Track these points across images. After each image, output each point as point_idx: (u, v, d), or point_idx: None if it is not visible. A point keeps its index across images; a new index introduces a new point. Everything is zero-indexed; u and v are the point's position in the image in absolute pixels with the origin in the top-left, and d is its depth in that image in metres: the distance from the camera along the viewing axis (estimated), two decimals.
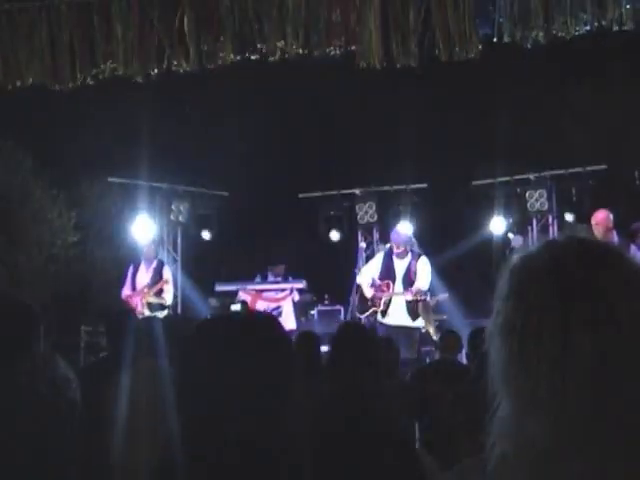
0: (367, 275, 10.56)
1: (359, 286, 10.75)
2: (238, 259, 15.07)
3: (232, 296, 12.97)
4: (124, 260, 15.91)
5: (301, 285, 12.63)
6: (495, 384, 1.27)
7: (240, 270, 14.66)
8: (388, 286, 10.22)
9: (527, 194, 13.75)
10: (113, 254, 17.05)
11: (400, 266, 10.30)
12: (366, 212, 14.30)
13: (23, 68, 8.09)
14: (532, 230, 13.90)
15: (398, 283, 10.22)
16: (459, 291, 13.25)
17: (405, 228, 11.34)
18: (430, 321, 10.82)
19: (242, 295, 12.67)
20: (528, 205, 13.74)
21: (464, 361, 7.57)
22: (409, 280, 10.18)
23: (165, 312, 11.34)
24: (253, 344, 1.93)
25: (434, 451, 4.32)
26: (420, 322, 10.36)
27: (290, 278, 13.03)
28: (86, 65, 8.08)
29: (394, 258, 10.35)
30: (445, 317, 13.35)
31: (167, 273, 11.70)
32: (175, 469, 1.87)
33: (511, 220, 14.00)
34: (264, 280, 13.23)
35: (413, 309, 10.17)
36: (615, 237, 9.13)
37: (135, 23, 7.92)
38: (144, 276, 11.66)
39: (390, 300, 10.18)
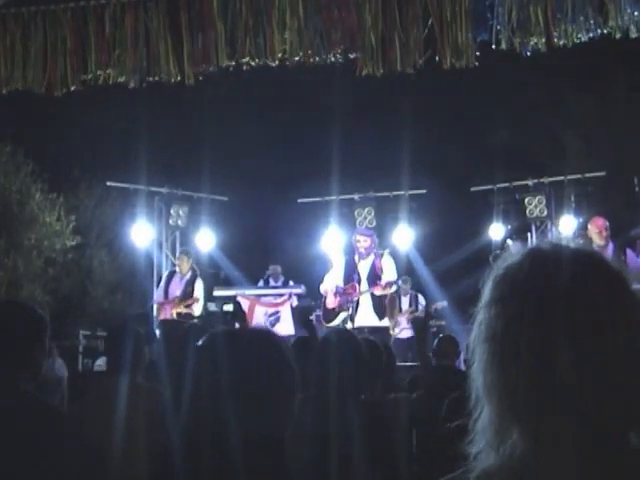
0: (330, 283, 10.48)
1: (323, 295, 10.66)
2: (237, 264, 15.06)
3: (231, 301, 12.95)
4: (123, 264, 15.95)
5: (300, 290, 12.60)
6: (477, 393, 1.26)
7: (239, 275, 14.66)
8: (354, 288, 10.14)
9: (526, 200, 13.74)
10: (112, 258, 17.09)
11: (364, 266, 10.23)
12: (365, 217, 14.30)
13: (18, 73, 8.08)
14: (531, 236, 13.88)
15: (364, 283, 10.15)
16: (457, 297, 13.24)
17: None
18: (393, 315, 10.82)
19: (241, 300, 12.64)
20: (527, 211, 13.73)
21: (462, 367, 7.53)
22: (375, 277, 10.10)
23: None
24: (256, 361, 1.93)
25: (430, 462, 4.31)
26: (386, 321, 10.29)
27: (291, 283, 13.01)
28: (81, 70, 8.06)
29: (357, 260, 10.30)
30: (444, 323, 13.35)
31: (198, 289, 11.76)
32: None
33: (510, 226, 13.99)
34: (265, 285, 13.22)
35: (380, 307, 10.10)
36: (610, 246, 9.12)
37: (129, 28, 7.91)
38: (177, 287, 11.79)
39: (358, 302, 10.13)
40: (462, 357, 9.40)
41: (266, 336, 2.08)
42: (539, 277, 1.23)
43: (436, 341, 7.55)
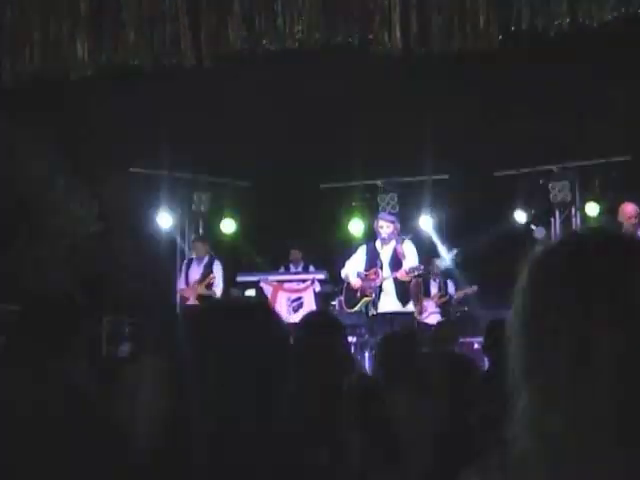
0: (352, 268, 10.45)
1: (344, 280, 10.63)
2: (259, 249, 15.08)
3: (253, 287, 13.00)
4: (146, 250, 16.00)
5: (322, 276, 12.63)
6: (514, 378, 1.26)
7: (261, 261, 14.68)
8: (377, 273, 10.08)
9: (550, 185, 13.67)
10: (135, 244, 17.14)
11: (386, 252, 10.17)
12: (388, 203, 14.28)
13: (38, 57, 8.09)
14: (555, 222, 13.81)
15: (386, 269, 10.11)
16: (480, 282, 13.20)
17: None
18: (419, 300, 10.78)
19: (263, 286, 12.70)
20: (551, 196, 13.66)
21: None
22: (397, 263, 10.05)
23: None
24: (246, 331, 1.92)
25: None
26: (410, 307, 10.26)
27: (312, 268, 13.04)
28: (97, 54, 8.05)
29: (379, 246, 10.25)
30: (466, 308, 13.32)
31: (216, 269, 11.97)
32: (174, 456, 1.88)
33: (534, 211, 13.91)
34: (286, 271, 13.26)
35: (403, 293, 10.07)
36: None
37: (147, 11, 7.89)
38: (195, 271, 12.04)
39: (381, 287, 10.09)
40: (474, 341, 9.38)
41: (259, 307, 2.07)
42: (578, 262, 1.23)
43: (435, 326, 7.54)
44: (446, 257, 13.59)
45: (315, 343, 3.79)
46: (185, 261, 12.64)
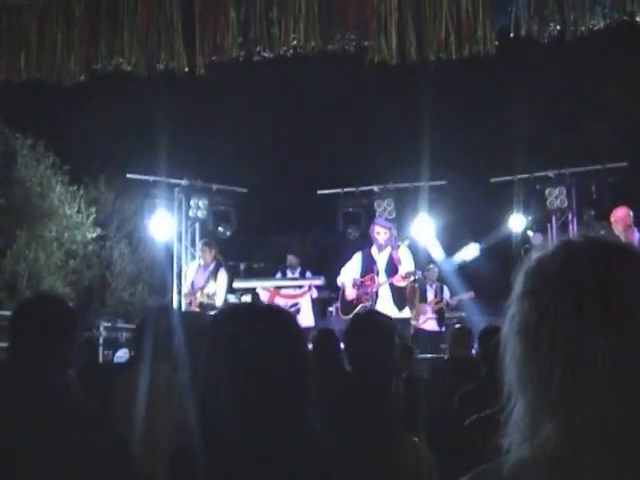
0: (348, 275, 10.44)
1: (341, 287, 10.63)
2: (256, 255, 15.09)
3: (250, 293, 12.98)
4: (143, 256, 16.02)
5: (319, 282, 12.60)
6: (510, 385, 1.26)
7: (258, 266, 14.68)
8: (373, 279, 10.08)
9: (547, 191, 13.66)
10: (132, 250, 17.17)
11: (382, 258, 10.17)
12: (384, 209, 14.27)
13: (33, 63, 8.08)
14: (552, 228, 13.82)
15: (382, 274, 10.10)
16: (477, 288, 13.21)
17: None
18: (414, 305, 10.80)
19: (260, 292, 12.69)
20: (547, 202, 13.65)
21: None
22: (393, 269, 10.05)
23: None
24: (267, 334, 1.92)
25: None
26: (407, 312, 10.27)
27: (308, 274, 13.02)
28: (92, 60, 8.05)
29: (374, 253, 10.25)
30: (464, 314, 13.32)
31: (221, 278, 11.88)
32: (191, 461, 1.87)
33: (530, 217, 13.92)
34: (283, 276, 13.25)
35: (399, 298, 10.06)
36: (636, 235, 9.05)
37: (143, 17, 7.89)
38: (201, 277, 11.95)
39: (377, 293, 10.08)
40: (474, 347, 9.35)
41: (278, 312, 2.06)
42: (573, 269, 1.23)
43: (450, 333, 7.57)
44: (445, 261, 13.60)
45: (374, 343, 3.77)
46: (195, 265, 12.63)
